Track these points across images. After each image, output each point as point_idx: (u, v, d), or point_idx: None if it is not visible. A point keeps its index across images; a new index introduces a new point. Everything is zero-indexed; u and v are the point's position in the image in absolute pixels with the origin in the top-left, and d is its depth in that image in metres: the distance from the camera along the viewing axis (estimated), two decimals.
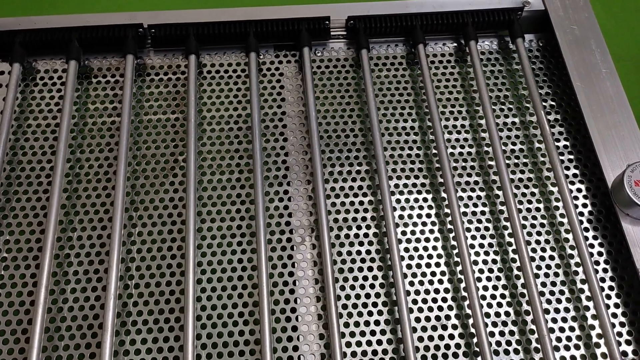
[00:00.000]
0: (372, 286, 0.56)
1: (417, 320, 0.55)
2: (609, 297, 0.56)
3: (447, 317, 0.55)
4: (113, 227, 0.56)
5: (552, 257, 0.58)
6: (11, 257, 0.56)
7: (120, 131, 0.61)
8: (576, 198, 0.61)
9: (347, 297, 0.56)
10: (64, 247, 0.57)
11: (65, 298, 0.55)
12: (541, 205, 0.61)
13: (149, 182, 0.60)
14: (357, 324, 0.55)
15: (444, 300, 0.56)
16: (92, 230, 0.58)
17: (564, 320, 0.56)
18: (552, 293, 0.57)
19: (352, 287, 0.56)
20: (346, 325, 0.55)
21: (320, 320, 0.54)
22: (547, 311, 0.56)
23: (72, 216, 0.58)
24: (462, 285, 0.57)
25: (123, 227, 0.57)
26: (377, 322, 0.55)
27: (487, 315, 0.56)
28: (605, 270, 0.58)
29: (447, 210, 0.60)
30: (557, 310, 0.56)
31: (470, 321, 0.55)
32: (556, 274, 0.58)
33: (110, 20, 0.66)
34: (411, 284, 0.57)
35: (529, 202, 0.61)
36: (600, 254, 0.58)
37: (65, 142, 0.60)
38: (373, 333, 0.54)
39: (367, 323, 0.55)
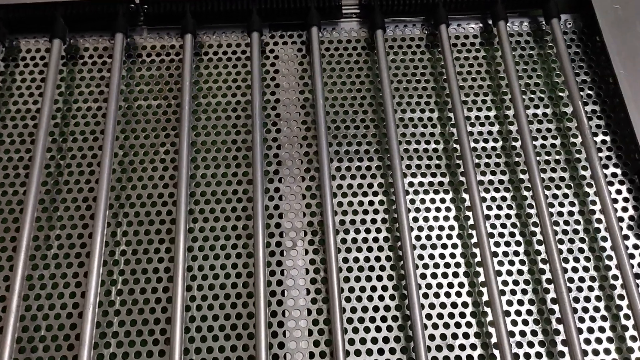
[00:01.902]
0: (381, 298, 0.50)
1: (432, 337, 0.49)
2: None
3: (466, 335, 0.49)
4: (95, 226, 0.50)
5: (586, 269, 0.52)
6: None
7: (107, 118, 0.55)
8: (616, 201, 0.54)
9: (353, 309, 0.50)
10: (41, 247, 0.52)
11: (41, 304, 0.49)
12: (576, 209, 0.54)
13: (137, 176, 0.55)
14: (363, 341, 0.49)
15: (463, 315, 0.50)
16: (73, 228, 0.52)
17: (599, 341, 0.49)
18: (585, 310, 0.50)
19: (359, 299, 0.50)
20: (351, 342, 0.49)
21: (310, 337, 0.49)
22: (580, 331, 0.49)
23: (51, 212, 0.53)
24: (484, 298, 0.50)
25: (106, 225, 0.52)
26: (386, 339, 0.49)
27: (512, 334, 0.49)
28: None
29: (468, 213, 0.54)
30: (590, 330, 0.49)
31: (493, 340, 0.49)
32: (591, 288, 0.51)
33: None
34: (426, 296, 0.51)
35: (562, 205, 0.54)
36: None
37: (45, 129, 0.54)
38: (381, 352, 0.48)
39: (374, 340, 0.49)
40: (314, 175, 0.55)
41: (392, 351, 0.48)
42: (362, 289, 0.50)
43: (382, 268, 0.51)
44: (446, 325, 0.49)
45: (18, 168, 0.55)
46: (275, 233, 0.52)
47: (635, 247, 0.53)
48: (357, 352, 0.48)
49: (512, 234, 0.53)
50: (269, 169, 0.55)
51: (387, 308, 0.50)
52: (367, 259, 0.52)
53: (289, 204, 0.54)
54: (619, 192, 0.55)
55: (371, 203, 0.54)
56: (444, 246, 0.52)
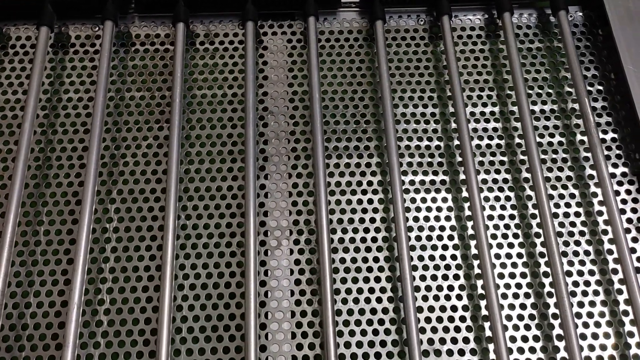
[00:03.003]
0: (378, 300, 0.48)
1: (430, 342, 0.47)
2: None
3: (465, 340, 0.47)
4: (80, 222, 0.48)
5: (592, 272, 0.50)
6: None
7: (94, 109, 0.53)
8: (624, 202, 0.52)
9: (339, 312, 0.48)
10: (29, 243, 0.50)
11: (29, 302, 0.48)
12: (582, 210, 0.52)
13: (128, 170, 0.53)
14: (347, 345, 0.47)
15: (462, 319, 0.48)
16: (62, 224, 0.50)
17: (603, 347, 0.47)
18: (590, 315, 0.48)
19: (349, 301, 0.48)
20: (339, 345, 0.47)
21: (293, 340, 0.47)
22: (583, 336, 0.47)
23: (39, 207, 0.51)
24: (484, 302, 0.48)
25: (95, 220, 0.50)
26: (383, 343, 0.47)
27: (513, 339, 0.47)
28: None
29: (468, 213, 0.51)
30: (592, 336, 0.47)
31: (491, 347, 0.47)
32: (596, 292, 0.49)
33: None
34: (424, 298, 0.49)
35: (568, 205, 0.52)
36: None
37: (31, 120, 0.52)
38: (378, 355, 0.47)
39: (367, 343, 0.47)
40: (300, 172, 0.53)
41: (390, 355, 0.47)
42: (348, 291, 0.49)
43: (370, 269, 0.49)
44: (445, 329, 0.48)
45: (7, 161, 0.53)
46: (259, 231, 0.50)
47: (633, 251, 0.50)
48: (341, 356, 0.46)
49: (514, 236, 0.51)
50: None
51: (373, 311, 0.48)
52: (355, 260, 0.50)
53: (274, 202, 0.52)
54: (618, 193, 0.53)
55: (362, 202, 0.52)
56: (443, 247, 0.50)
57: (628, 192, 0.53)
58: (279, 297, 0.48)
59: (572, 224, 0.51)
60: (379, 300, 0.48)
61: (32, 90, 0.53)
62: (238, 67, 0.57)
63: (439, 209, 0.52)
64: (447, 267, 0.50)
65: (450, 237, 0.51)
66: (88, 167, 0.50)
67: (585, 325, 0.48)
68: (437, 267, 0.50)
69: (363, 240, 0.50)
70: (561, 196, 0.53)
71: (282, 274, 0.49)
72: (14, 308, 0.47)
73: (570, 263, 0.50)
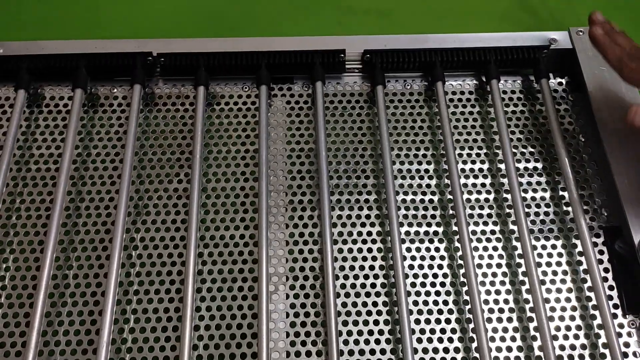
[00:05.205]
0: (377, 341, 0.53)
1: None
2: None
3: None
4: (110, 266, 0.53)
5: (572, 317, 0.55)
6: (6, 295, 0.54)
7: (123, 163, 0.59)
8: (601, 252, 0.57)
9: (346, 352, 0.53)
10: (59, 285, 0.55)
11: (58, 340, 0.53)
12: (563, 260, 0.57)
13: (151, 219, 0.58)
14: None
15: None
16: (89, 268, 0.56)
17: None
18: (570, 358, 0.53)
19: (357, 342, 0.53)
20: None
21: None
22: None
23: (69, 252, 0.56)
24: (474, 345, 0.53)
25: (121, 266, 0.55)
26: None
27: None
28: (630, 334, 0.54)
29: (460, 262, 0.56)
30: None
31: None
32: (576, 336, 0.54)
33: (119, 48, 0.64)
34: (419, 340, 0.53)
35: (550, 255, 0.57)
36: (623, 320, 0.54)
37: (66, 174, 0.58)
38: None
39: None
40: (297, 223, 0.58)
41: None
42: (359, 333, 0.53)
43: (369, 313, 0.54)
44: None
45: (40, 210, 0.58)
46: (259, 278, 0.54)
47: (610, 298, 0.55)
48: None
49: (501, 283, 0.56)
50: (255, 216, 0.58)
51: (372, 351, 0.53)
52: (361, 304, 0.54)
53: (272, 250, 0.56)
54: (596, 244, 0.58)
55: (369, 250, 0.57)
56: (437, 293, 0.55)
57: (595, 244, 0.57)
58: (276, 338, 0.53)
59: (549, 273, 0.56)
60: (377, 341, 0.53)
61: (67, 146, 0.59)
62: (242, 125, 0.63)
63: (432, 258, 0.57)
64: (440, 311, 0.54)
65: (443, 284, 0.56)
66: (117, 215, 0.55)
67: None
68: (430, 312, 0.54)
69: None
70: (544, 247, 0.58)
71: (279, 316, 0.54)
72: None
73: (553, 309, 0.55)
